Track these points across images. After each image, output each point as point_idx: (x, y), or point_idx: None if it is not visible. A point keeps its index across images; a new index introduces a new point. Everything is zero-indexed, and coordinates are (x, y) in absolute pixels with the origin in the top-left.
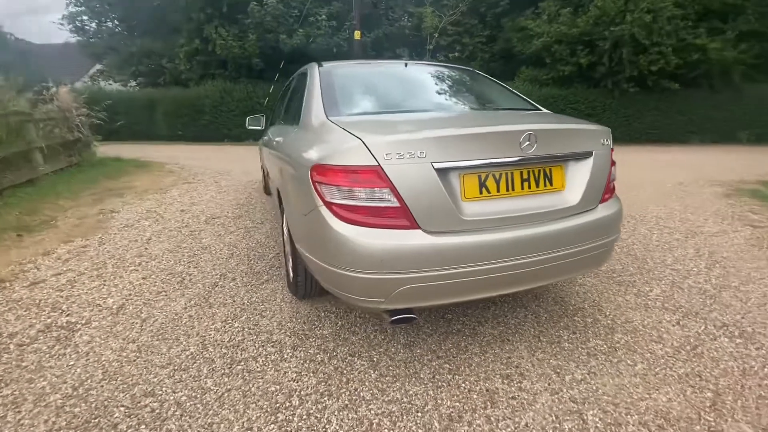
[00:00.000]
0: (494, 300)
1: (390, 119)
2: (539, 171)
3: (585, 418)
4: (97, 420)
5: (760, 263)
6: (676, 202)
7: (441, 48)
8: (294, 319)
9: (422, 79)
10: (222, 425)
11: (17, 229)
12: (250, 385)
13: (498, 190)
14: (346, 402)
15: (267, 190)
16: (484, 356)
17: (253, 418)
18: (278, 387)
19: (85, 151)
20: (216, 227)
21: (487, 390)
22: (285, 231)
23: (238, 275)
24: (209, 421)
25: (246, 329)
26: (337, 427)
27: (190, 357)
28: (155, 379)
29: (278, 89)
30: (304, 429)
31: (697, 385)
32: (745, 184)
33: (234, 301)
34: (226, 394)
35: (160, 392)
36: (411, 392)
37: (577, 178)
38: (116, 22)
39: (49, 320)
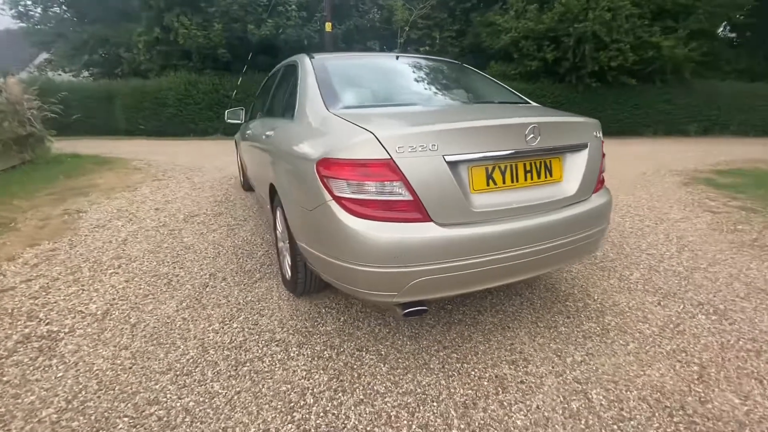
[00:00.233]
0: (491, 289)
1: (394, 112)
2: (540, 163)
3: (590, 396)
4: None
5: (722, 246)
6: (642, 191)
7: (412, 41)
8: (295, 317)
9: (415, 72)
10: (237, 429)
11: None
12: (260, 386)
13: (504, 182)
14: (361, 396)
15: (245, 186)
16: (488, 344)
17: (269, 419)
18: (290, 386)
19: (38, 147)
20: (196, 225)
21: (496, 376)
22: (279, 227)
23: (229, 274)
24: (222, 425)
25: (246, 329)
26: (357, 422)
27: (191, 361)
28: (157, 386)
29: (247, 81)
30: (323, 427)
31: (684, 360)
32: (699, 173)
33: (229, 301)
34: (236, 397)
35: (165, 399)
36: (424, 383)
37: (574, 170)
38: (64, 7)
39: (26, 330)
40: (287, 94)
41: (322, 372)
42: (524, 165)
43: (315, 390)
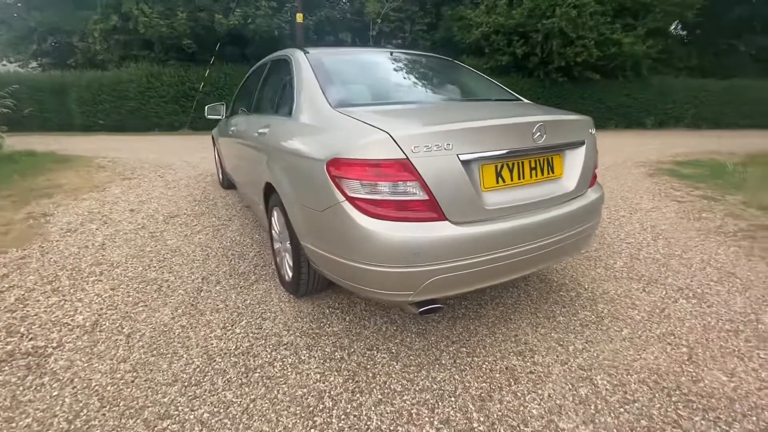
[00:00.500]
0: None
1: (401, 110)
2: (544, 160)
3: (595, 382)
4: None
5: (691, 233)
6: (613, 183)
7: (384, 34)
8: (299, 319)
9: (410, 68)
10: None
11: None
12: (275, 392)
13: (511, 179)
14: (380, 396)
15: (225, 184)
16: (494, 337)
17: (290, 426)
18: (306, 390)
19: None
20: (179, 227)
21: (506, 368)
22: (277, 228)
23: (222, 278)
24: None
25: (250, 334)
26: (379, 423)
27: (198, 370)
28: (165, 399)
29: (215, 73)
30: (346, 430)
31: (673, 343)
32: (662, 164)
33: (227, 306)
34: (251, 405)
35: (177, 412)
36: (438, 378)
37: (573, 166)
38: None
39: (8, 347)
40: (280, 91)
41: (336, 374)
42: (530, 162)
43: (332, 392)
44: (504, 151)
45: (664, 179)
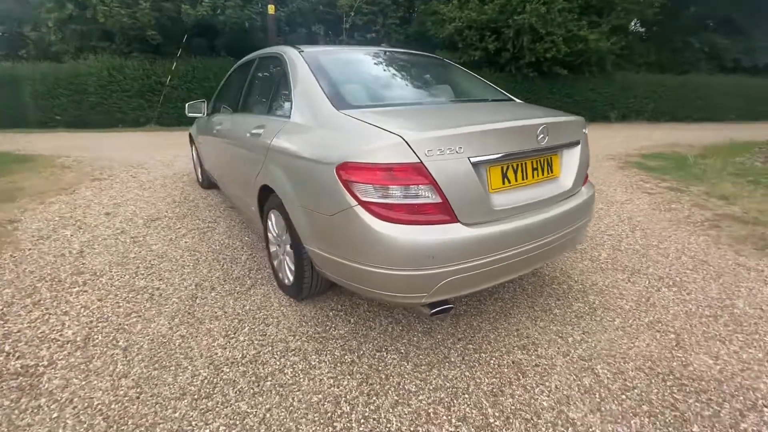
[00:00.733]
0: None
1: (408, 112)
2: (544, 160)
3: (597, 371)
4: None
5: (664, 224)
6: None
7: (357, 27)
8: (304, 323)
9: (407, 67)
10: None
11: None
12: (290, 400)
13: (516, 180)
14: (395, 398)
15: (205, 184)
16: (497, 332)
17: None
18: (321, 396)
19: None
20: (161, 231)
21: (513, 362)
22: (275, 231)
23: (217, 283)
24: None
25: (255, 341)
26: (399, 424)
27: (206, 382)
28: (176, 415)
29: (183, 66)
30: None
31: (661, 330)
32: (630, 157)
33: (226, 313)
34: (268, 414)
35: (190, 427)
36: (450, 376)
37: (569, 165)
38: None
39: None
40: (273, 90)
41: (349, 377)
42: (532, 163)
43: (348, 397)
44: (511, 153)
45: (634, 171)
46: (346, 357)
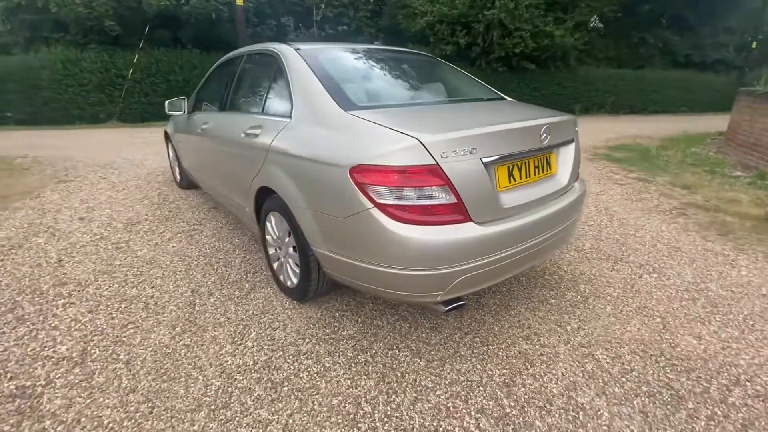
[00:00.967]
0: None
1: (418, 113)
2: (544, 158)
3: (597, 357)
4: None
5: (637, 213)
6: None
7: (327, 20)
8: (311, 326)
9: (404, 67)
10: None
11: None
12: (311, 404)
13: (520, 178)
14: (414, 395)
15: (183, 184)
16: (500, 324)
17: None
18: (341, 398)
19: None
20: (144, 235)
21: (519, 353)
22: (275, 233)
23: (214, 288)
24: None
25: (265, 347)
26: (422, 420)
27: (221, 391)
28: (195, 428)
29: (145, 59)
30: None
31: (649, 315)
32: (598, 149)
33: (229, 319)
34: (290, 421)
35: None
36: (463, 370)
37: (565, 162)
38: None
39: None
40: (267, 89)
41: (365, 377)
42: (533, 161)
43: (367, 396)
44: (517, 152)
45: (603, 163)
46: (359, 357)
